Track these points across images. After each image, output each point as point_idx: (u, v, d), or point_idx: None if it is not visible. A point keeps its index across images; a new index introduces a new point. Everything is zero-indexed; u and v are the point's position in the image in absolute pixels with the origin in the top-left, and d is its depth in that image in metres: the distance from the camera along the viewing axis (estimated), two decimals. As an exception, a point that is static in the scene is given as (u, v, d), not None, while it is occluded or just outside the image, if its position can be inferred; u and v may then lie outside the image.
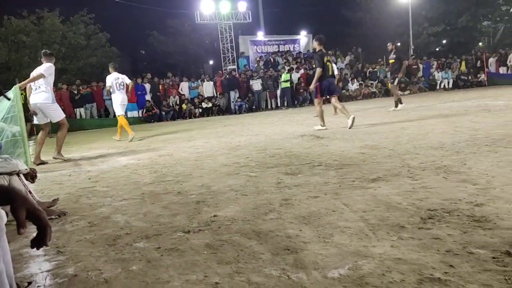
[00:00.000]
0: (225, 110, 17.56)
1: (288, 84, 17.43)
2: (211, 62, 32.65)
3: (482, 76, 19.96)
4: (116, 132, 9.19)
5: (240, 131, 8.65)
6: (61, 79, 17.95)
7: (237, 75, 18.89)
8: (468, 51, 24.53)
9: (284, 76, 17.54)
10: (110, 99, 10.52)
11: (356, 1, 30.94)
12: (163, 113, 16.48)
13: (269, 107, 18.37)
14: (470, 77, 20.42)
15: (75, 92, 16.10)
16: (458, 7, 27.79)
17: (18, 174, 2.65)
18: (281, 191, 3.00)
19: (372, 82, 19.84)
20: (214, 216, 2.52)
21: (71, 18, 22.68)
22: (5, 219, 1.32)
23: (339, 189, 2.91)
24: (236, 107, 17.55)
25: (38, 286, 1.74)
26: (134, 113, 16.61)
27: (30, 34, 20.32)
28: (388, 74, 14.76)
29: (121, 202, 3.15)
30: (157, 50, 33.38)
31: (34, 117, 6.16)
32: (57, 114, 6.20)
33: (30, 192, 2.74)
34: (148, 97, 16.74)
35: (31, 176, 2.83)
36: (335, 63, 16.25)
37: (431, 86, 20.51)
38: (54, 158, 6.11)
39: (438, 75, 20.95)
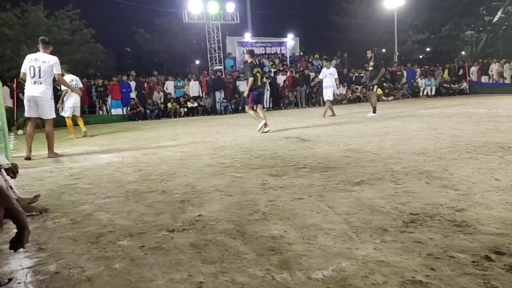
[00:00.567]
0: (210, 111, 17.50)
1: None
2: (197, 62, 32.55)
3: (464, 85, 20.33)
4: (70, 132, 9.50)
5: (226, 131, 8.64)
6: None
7: (223, 75, 18.85)
8: (451, 59, 25.01)
9: None
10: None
11: (343, 6, 31.23)
12: (148, 111, 16.35)
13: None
14: (452, 85, 20.79)
15: (58, 87, 15.81)
16: (442, 16, 28.38)
17: (-1, 169, 2.60)
18: (266, 192, 3.01)
19: (357, 87, 20.03)
20: (198, 215, 2.52)
21: (56, 13, 22.34)
22: None
23: (324, 191, 2.93)
24: (222, 107, 17.50)
25: (18, 283, 1.71)
26: (119, 111, 16.45)
27: (13, 27, 19.94)
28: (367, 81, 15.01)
29: (105, 199, 3.11)
30: (143, 48, 33.14)
31: (26, 110, 5.96)
32: (51, 112, 6.09)
33: (11, 187, 2.68)
34: (133, 95, 16.58)
35: (12, 171, 2.78)
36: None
37: (414, 93, 20.82)
38: (50, 157, 5.94)
39: (421, 82, 21.28)
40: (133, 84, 16.87)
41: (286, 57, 23.27)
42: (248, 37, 24.73)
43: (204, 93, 17.70)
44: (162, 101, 17.04)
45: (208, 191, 3.18)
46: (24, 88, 6.12)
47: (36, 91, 5.84)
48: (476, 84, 20.47)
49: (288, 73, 19.02)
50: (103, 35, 25.86)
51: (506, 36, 27.50)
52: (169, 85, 17.84)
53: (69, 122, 9.62)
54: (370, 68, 11.18)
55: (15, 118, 12.79)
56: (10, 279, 1.73)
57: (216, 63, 22.79)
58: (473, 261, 1.65)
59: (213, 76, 18.45)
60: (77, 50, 22.87)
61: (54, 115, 6.17)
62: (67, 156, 6.10)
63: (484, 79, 20.91)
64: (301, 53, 25.84)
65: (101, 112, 16.48)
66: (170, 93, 17.53)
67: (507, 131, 5.53)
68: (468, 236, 1.91)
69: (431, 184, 2.93)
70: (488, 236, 1.90)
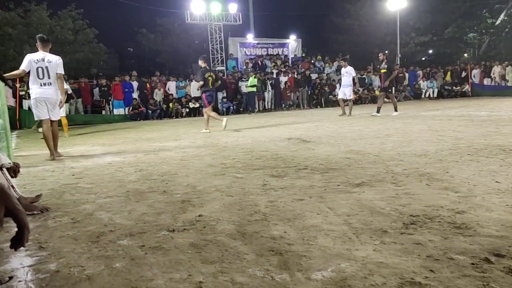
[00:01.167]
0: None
1: (254, 89, 17.30)
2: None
3: (466, 87, 20.33)
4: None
5: (227, 132, 8.65)
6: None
7: (225, 76, 18.86)
8: (454, 61, 25.01)
9: (251, 81, 17.32)
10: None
11: (345, 8, 31.20)
12: (150, 111, 16.38)
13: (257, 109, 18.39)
14: (454, 87, 20.77)
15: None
16: (445, 19, 28.37)
17: (1, 168, 2.61)
18: (266, 193, 3.01)
19: (359, 88, 20.02)
20: (199, 215, 2.52)
21: (59, 13, 22.37)
22: None
23: (324, 192, 2.93)
24: (224, 108, 17.51)
25: (19, 281, 1.71)
26: (121, 111, 16.48)
27: (16, 26, 19.99)
28: (376, 82, 15.07)
29: (105, 199, 3.12)
30: (145, 48, 33.16)
31: (36, 112, 5.87)
32: (60, 112, 6.15)
33: (12, 186, 2.70)
34: (135, 95, 16.61)
35: (14, 170, 2.79)
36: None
37: (416, 95, 20.83)
38: (57, 158, 5.88)
39: (423, 84, 21.28)
40: (135, 84, 16.90)
41: (288, 58, 23.28)
42: (250, 38, 24.73)
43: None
44: (162, 98, 17.05)
45: (209, 191, 3.19)
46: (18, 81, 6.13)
47: (48, 93, 5.80)
48: (478, 86, 20.47)
49: (290, 74, 19.04)
50: (106, 35, 25.90)
51: (508, 38, 27.46)
52: (171, 86, 17.87)
53: (64, 121, 9.88)
54: (383, 71, 11.31)
55: (17, 118, 12.82)
56: (10, 277, 1.74)
57: (218, 64, 22.78)
58: (473, 263, 1.65)
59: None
60: (79, 50, 22.87)
61: (60, 115, 6.25)
62: (69, 156, 6.11)
63: (486, 81, 20.91)
64: (303, 55, 25.85)
65: (104, 112, 16.52)
66: (172, 94, 17.56)
67: (509, 134, 5.52)
68: (468, 238, 1.91)
69: (431, 186, 2.93)
70: (488, 238, 1.90)
